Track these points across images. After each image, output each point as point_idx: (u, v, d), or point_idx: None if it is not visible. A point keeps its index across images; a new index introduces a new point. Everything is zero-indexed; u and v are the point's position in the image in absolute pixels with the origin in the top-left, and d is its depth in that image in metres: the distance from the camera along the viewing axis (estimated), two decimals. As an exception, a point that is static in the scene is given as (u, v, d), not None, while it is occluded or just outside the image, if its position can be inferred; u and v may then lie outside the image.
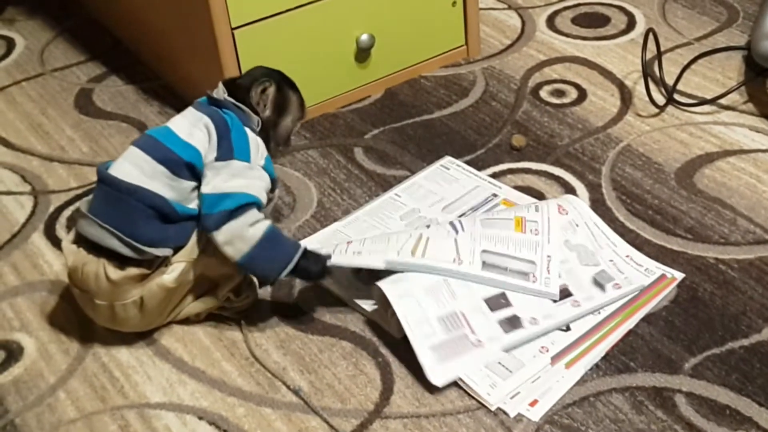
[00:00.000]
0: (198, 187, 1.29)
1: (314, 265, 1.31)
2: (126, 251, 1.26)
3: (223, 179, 1.27)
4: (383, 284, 1.30)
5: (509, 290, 1.33)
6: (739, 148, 1.63)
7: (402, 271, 1.32)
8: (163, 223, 1.28)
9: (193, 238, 1.30)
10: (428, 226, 1.40)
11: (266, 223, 1.27)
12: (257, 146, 1.33)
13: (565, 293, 1.34)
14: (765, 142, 1.64)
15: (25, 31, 2.18)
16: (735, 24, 1.98)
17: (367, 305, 1.37)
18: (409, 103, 1.82)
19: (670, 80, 1.79)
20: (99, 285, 1.28)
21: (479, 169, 1.62)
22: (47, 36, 2.15)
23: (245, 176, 1.28)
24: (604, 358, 1.27)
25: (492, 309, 1.30)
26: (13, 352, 1.36)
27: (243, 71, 1.65)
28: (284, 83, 1.41)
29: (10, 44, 2.13)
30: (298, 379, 1.28)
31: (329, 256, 1.33)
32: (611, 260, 1.40)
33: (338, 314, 1.37)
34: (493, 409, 1.21)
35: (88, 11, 2.21)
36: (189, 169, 1.29)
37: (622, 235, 1.44)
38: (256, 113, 1.36)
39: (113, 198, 1.27)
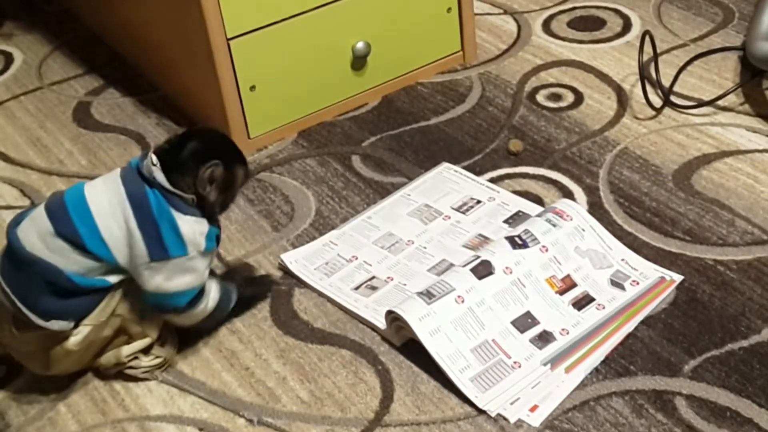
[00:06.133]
0: (101, 266, 1.22)
1: (258, 289, 1.44)
2: (25, 318, 1.22)
3: (165, 277, 1.22)
4: (412, 322, 1.27)
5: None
6: (736, 149, 1.63)
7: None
8: (62, 297, 1.21)
9: (103, 303, 1.24)
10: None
11: (215, 289, 1.31)
12: (192, 230, 1.23)
13: (587, 299, 1.35)
14: (762, 142, 1.63)
15: (23, 46, 2.19)
16: (730, 24, 1.98)
17: (367, 314, 1.37)
18: (405, 110, 1.82)
19: (666, 82, 1.79)
20: (3, 335, 1.26)
21: (477, 174, 1.62)
22: (45, 50, 2.16)
23: (188, 271, 1.23)
24: (604, 361, 1.27)
25: (521, 330, 1.31)
26: (15, 367, 1.36)
27: (239, 82, 1.66)
28: (231, 159, 1.28)
29: (8, 59, 2.14)
30: (298, 388, 1.28)
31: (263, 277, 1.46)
32: (623, 259, 1.41)
33: (337, 323, 1.38)
34: (493, 415, 1.21)
35: (85, 25, 2.22)
36: (94, 258, 1.21)
37: (620, 238, 1.44)
38: (199, 195, 1.24)
39: (17, 262, 1.22)
